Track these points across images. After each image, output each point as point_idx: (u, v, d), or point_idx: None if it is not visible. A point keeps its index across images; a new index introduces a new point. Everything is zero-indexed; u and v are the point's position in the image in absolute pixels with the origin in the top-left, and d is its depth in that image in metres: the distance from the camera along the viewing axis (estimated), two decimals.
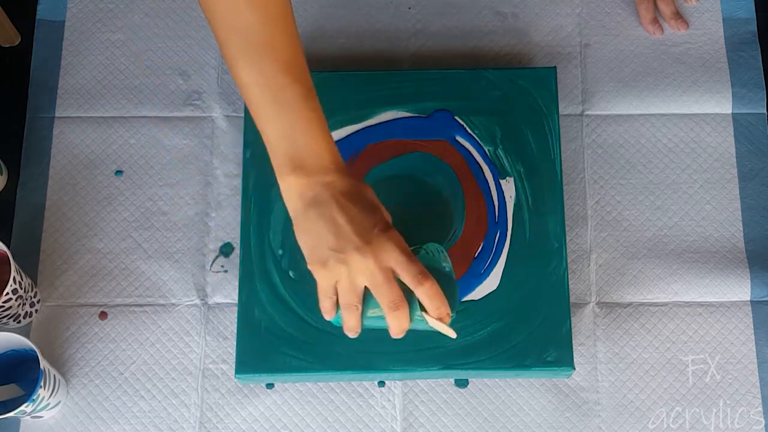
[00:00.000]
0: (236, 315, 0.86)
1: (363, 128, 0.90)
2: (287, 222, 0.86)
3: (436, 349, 0.83)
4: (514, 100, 0.90)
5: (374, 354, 0.83)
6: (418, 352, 0.83)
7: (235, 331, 0.86)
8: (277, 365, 0.83)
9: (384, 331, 0.84)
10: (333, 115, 0.89)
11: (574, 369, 0.83)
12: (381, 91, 0.90)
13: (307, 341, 0.83)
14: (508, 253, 0.85)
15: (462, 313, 0.84)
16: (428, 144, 0.89)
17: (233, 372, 0.86)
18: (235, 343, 0.86)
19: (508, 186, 0.88)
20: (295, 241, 0.86)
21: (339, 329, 0.84)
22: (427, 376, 0.84)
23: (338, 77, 0.91)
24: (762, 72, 0.96)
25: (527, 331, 0.83)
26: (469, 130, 0.89)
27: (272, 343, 0.83)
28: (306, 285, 0.85)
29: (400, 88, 0.90)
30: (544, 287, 0.84)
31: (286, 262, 0.86)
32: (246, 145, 0.89)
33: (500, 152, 0.88)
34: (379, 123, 0.90)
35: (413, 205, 0.87)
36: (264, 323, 0.84)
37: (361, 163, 0.89)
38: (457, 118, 0.90)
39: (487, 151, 0.89)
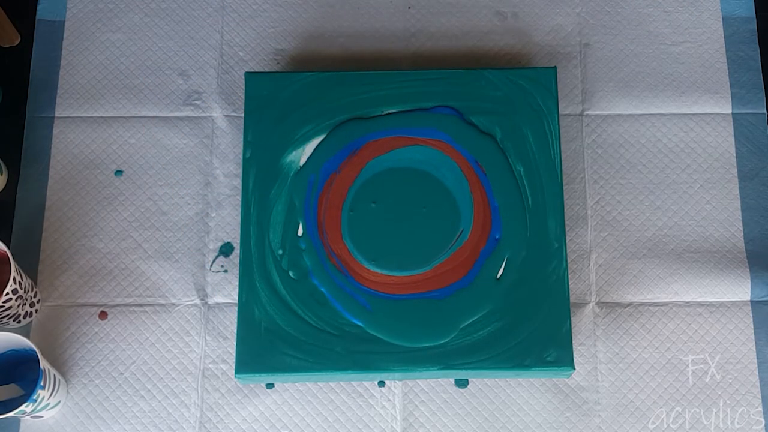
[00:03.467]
0: (236, 315, 0.86)
1: (360, 123, 0.89)
2: (287, 222, 0.87)
3: (436, 349, 0.83)
4: (514, 100, 0.89)
5: (374, 354, 0.83)
6: (418, 352, 0.83)
7: (235, 331, 0.86)
8: (277, 365, 0.83)
9: (384, 333, 0.84)
10: (333, 115, 0.89)
11: (574, 369, 0.83)
12: (381, 91, 0.90)
13: (307, 341, 0.83)
14: (508, 253, 0.85)
15: (462, 313, 0.84)
16: (429, 141, 0.89)
17: (233, 372, 0.86)
18: (235, 343, 0.86)
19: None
20: (295, 241, 0.87)
21: (339, 329, 0.84)
22: (427, 376, 0.84)
23: (338, 77, 0.91)
24: (761, 72, 0.96)
25: (527, 331, 0.83)
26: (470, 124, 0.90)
27: (272, 343, 0.83)
28: (306, 285, 0.85)
29: (399, 88, 0.90)
30: (544, 287, 0.84)
31: (286, 262, 0.86)
32: (246, 145, 0.89)
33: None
34: (378, 116, 0.89)
35: (418, 198, 0.87)
36: (264, 323, 0.84)
37: (361, 156, 0.88)
38: (457, 111, 0.90)
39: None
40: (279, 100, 0.90)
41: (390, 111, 0.90)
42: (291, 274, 0.85)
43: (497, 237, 0.86)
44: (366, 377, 0.86)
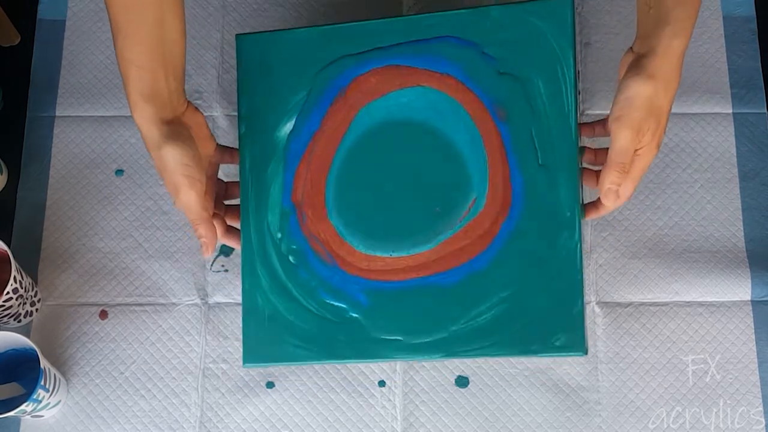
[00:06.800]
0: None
1: (347, 60, 0.77)
2: (284, 202, 0.79)
3: (439, 336, 0.75)
4: (523, 43, 0.76)
5: (377, 341, 0.77)
6: (421, 339, 0.76)
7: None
8: (281, 355, 0.78)
9: (384, 331, 0.82)
10: (319, 71, 0.80)
11: (586, 353, 0.74)
12: (371, 44, 0.78)
13: (310, 330, 0.77)
14: (524, 208, 0.74)
15: (474, 299, 0.75)
16: (432, 77, 0.76)
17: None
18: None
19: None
20: (292, 226, 0.80)
21: (340, 316, 0.79)
22: (429, 360, 0.79)
23: (334, 31, 0.79)
24: (761, 72, 0.96)
25: (534, 313, 0.73)
26: (486, 53, 0.76)
27: (276, 332, 0.78)
28: (306, 270, 0.79)
29: (392, 36, 0.77)
30: (554, 263, 0.73)
31: (285, 247, 0.79)
32: (240, 119, 0.80)
33: None
34: (368, 51, 0.77)
35: (419, 160, 0.76)
36: (267, 312, 0.78)
37: (348, 104, 0.77)
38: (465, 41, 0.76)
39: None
40: (272, 65, 0.79)
41: (382, 45, 0.77)
42: (291, 259, 0.79)
43: (520, 206, 0.74)
44: (370, 362, 0.83)
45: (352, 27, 0.78)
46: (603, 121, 0.77)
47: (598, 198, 0.73)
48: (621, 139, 0.69)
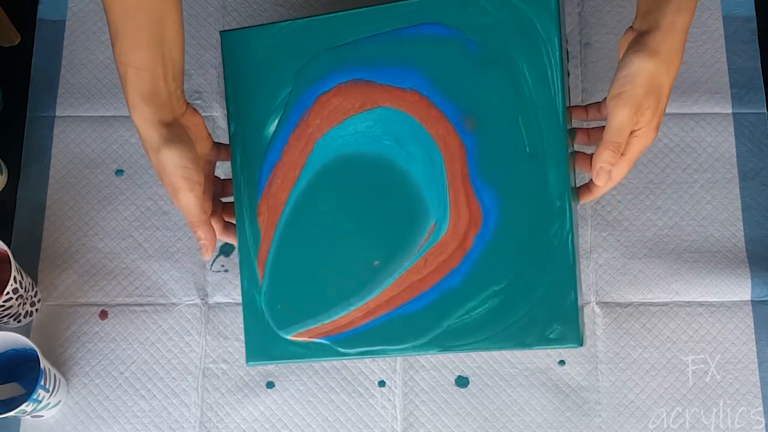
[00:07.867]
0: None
1: (321, 61, 0.77)
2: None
3: (434, 332, 0.75)
4: (507, 28, 0.74)
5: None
6: (416, 338, 0.75)
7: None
8: (283, 354, 0.77)
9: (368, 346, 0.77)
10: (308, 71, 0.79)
11: (582, 345, 0.73)
12: (352, 35, 0.76)
13: None
14: (501, 215, 0.73)
15: (457, 293, 0.74)
16: (395, 95, 0.75)
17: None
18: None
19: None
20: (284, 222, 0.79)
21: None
22: (425, 353, 0.76)
23: (320, 22, 0.78)
24: (761, 72, 0.96)
25: (528, 305, 0.72)
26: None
27: (274, 330, 0.77)
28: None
29: (374, 25, 0.76)
30: (545, 254, 0.72)
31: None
32: (230, 117, 0.79)
33: None
34: (347, 44, 0.76)
35: (365, 205, 0.75)
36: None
37: (310, 127, 0.77)
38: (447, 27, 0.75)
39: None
40: (256, 61, 0.78)
41: (364, 36, 0.76)
42: None
43: (496, 212, 0.73)
44: (367, 357, 0.80)
45: (332, 18, 0.77)
46: (598, 104, 0.77)
47: (591, 180, 0.73)
48: (618, 117, 0.68)
